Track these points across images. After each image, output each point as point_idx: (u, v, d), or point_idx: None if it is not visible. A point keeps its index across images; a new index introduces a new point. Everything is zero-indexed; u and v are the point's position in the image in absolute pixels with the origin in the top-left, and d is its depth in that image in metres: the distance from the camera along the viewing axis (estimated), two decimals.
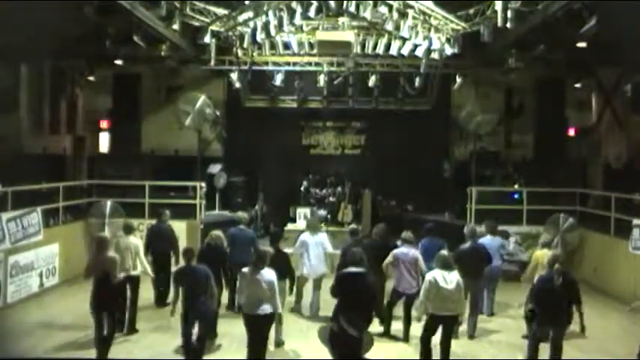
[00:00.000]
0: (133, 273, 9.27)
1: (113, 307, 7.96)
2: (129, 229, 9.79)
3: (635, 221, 11.28)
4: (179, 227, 13.17)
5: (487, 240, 10.30)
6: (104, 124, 17.51)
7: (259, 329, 7.36)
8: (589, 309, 10.88)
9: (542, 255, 9.04)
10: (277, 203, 16.19)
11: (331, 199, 16.15)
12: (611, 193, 12.86)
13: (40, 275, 11.65)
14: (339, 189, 16.17)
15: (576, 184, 14.78)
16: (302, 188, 16.28)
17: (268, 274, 7.35)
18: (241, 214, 11.34)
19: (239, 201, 16.00)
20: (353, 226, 11.07)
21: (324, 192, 16.35)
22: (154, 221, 12.86)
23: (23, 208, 11.22)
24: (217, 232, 9.42)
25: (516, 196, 14.71)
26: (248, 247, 9.77)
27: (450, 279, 7.49)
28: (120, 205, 13.43)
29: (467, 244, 9.49)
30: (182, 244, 12.81)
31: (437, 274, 7.55)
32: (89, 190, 14.73)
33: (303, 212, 15.42)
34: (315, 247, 10.28)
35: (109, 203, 13.35)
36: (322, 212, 15.78)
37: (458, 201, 14.87)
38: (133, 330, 9.26)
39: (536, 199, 14.21)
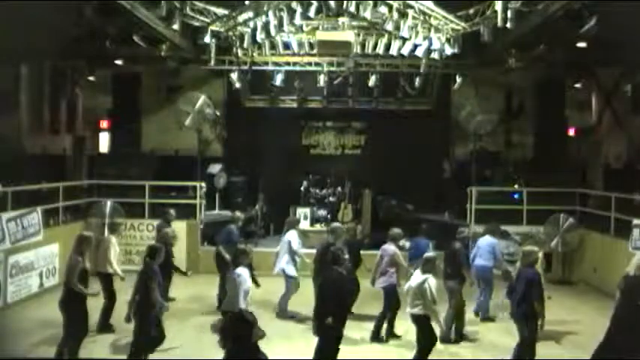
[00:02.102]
0: (108, 270, 9.45)
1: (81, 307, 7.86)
2: (112, 229, 10.17)
3: (635, 221, 11.28)
4: (179, 227, 13.19)
5: (481, 241, 10.39)
6: (104, 124, 17.53)
7: None
8: (590, 309, 10.91)
9: None
10: (277, 203, 16.17)
11: (331, 199, 16.14)
12: (611, 193, 12.86)
13: (40, 275, 11.65)
14: (339, 189, 16.16)
15: (576, 184, 14.78)
16: (302, 188, 16.26)
17: (239, 271, 7.48)
18: (238, 214, 11.41)
19: (239, 201, 15.99)
20: (335, 224, 11.00)
21: (324, 192, 16.33)
22: (154, 221, 13.01)
23: (23, 208, 11.22)
24: (166, 229, 9.94)
25: (516, 196, 14.71)
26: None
27: (419, 279, 7.64)
28: (120, 205, 13.45)
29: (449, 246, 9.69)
30: (182, 244, 12.89)
31: (415, 273, 7.82)
32: (89, 190, 14.74)
33: (303, 212, 15.42)
34: (282, 245, 10.57)
35: (109, 203, 13.36)
36: (322, 212, 15.78)
37: (458, 201, 14.87)
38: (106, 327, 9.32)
39: (536, 199, 14.21)
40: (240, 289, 7.34)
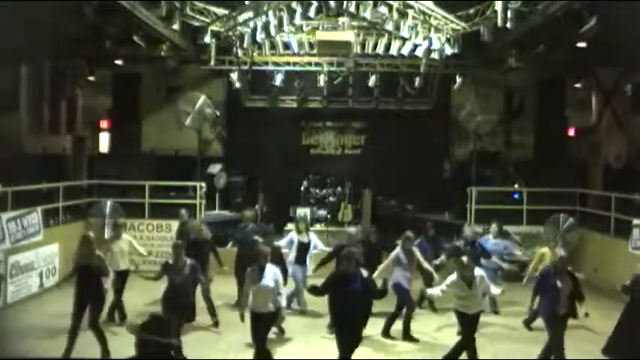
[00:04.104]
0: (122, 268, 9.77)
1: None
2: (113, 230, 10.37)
3: (635, 221, 11.28)
4: None
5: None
6: (104, 124, 17.53)
7: None
8: (590, 310, 10.89)
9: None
10: (277, 203, 16.17)
11: (331, 199, 16.14)
12: (611, 193, 12.86)
13: (40, 275, 11.65)
14: (339, 189, 16.17)
15: (576, 184, 14.77)
16: (302, 188, 16.26)
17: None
18: (248, 214, 11.46)
19: (239, 201, 15.99)
20: (352, 229, 11.00)
21: (324, 192, 16.33)
22: (154, 221, 13.05)
23: (23, 208, 11.22)
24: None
25: (516, 196, 14.72)
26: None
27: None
28: (120, 205, 13.45)
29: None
30: None
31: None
32: (89, 190, 14.74)
33: (303, 212, 15.41)
34: None
35: (109, 203, 13.37)
36: (322, 212, 15.78)
37: (458, 201, 14.87)
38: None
39: (536, 199, 14.21)
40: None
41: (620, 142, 16.43)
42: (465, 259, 7.74)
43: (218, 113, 16.23)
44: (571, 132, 17.27)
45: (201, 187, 14.41)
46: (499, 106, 16.76)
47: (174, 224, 13.21)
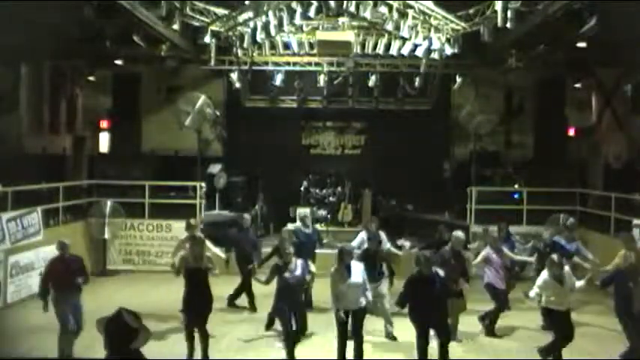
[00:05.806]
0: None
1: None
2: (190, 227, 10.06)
3: (635, 221, 11.28)
4: (179, 227, 13.19)
5: None
6: (104, 124, 17.53)
7: None
8: (591, 310, 10.91)
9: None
10: (277, 203, 16.18)
11: (331, 199, 16.15)
12: (611, 193, 12.86)
13: (40, 275, 11.62)
14: (339, 189, 16.18)
15: (576, 184, 14.78)
16: (302, 188, 16.26)
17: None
18: (302, 212, 11.67)
19: (239, 201, 15.99)
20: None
21: (324, 192, 16.34)
22: (154, 221, 13.02)
23: (23, 208, 11.22)
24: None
25: (516, 196, 14.72)
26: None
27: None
28: (120, 205, 13.45)
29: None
30: None
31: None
32: (89, 190, 14.74)
33: (303, 212, 15.40)
34: None
35: (109, 203, 13.37)
36: (322, 212, 15.78)
37: (458, 201, 14.88)
38: None
39: (536, 199, 14.21)
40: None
41: (620, 142, 16.42)
42: (555, 257, 7.86)
43: (218, 113, 16.23)
44: (571, 132, 17.28)
45: (201, 187, 14.41)
46: (499, 106, 16.75)
47: (175, 224, 13.25)
